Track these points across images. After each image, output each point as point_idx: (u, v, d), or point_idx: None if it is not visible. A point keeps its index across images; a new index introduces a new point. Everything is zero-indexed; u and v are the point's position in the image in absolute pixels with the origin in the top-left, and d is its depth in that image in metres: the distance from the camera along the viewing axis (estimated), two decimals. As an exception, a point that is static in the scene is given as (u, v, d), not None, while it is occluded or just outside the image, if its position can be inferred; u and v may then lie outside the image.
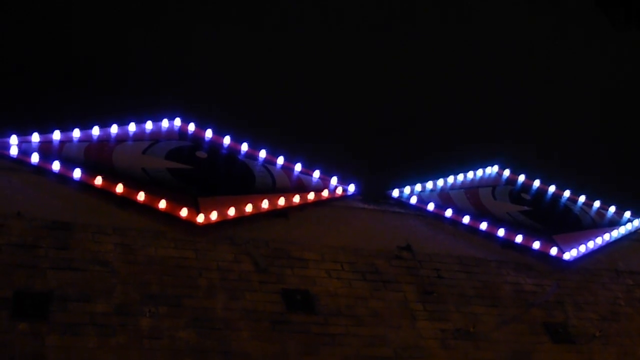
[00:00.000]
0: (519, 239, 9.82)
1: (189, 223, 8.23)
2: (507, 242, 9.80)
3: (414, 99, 12.53)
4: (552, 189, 11.50)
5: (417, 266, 8.76)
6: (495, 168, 11.62)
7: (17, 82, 10.20)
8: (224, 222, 8.44)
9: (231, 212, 8.56)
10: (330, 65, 12.60)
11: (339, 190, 9.82)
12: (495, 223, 10.01)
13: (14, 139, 8.69)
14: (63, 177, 8.44)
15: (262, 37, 12.71)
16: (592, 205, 11.42)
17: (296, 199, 9.28)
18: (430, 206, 10.06)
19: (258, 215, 8.80)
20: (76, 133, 9.22)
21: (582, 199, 11.46)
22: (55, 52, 11.10)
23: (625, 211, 11.35)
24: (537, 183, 11.51)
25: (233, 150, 10.04)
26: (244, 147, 10.08)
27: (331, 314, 7.79)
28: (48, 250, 7.29)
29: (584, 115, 13.53)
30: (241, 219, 8.62)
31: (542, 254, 9.73)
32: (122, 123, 9.67)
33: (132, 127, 9.71)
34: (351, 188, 9.89)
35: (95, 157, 8.98)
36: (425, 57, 13.31)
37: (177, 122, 10.14)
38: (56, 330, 6.61)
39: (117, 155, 9.11)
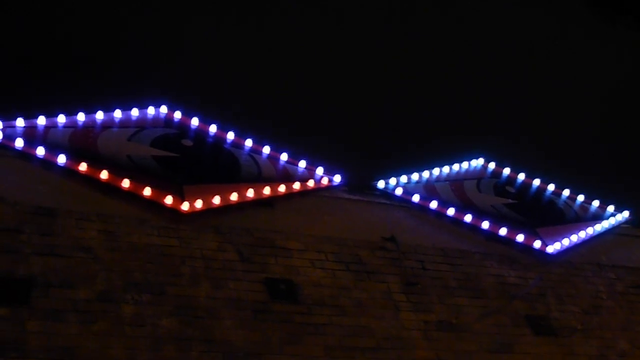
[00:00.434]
0: (503, 231, 9.85)
1: (174, 211, 8.21)
2: (492, 235, 9.83)
3: (401, 91, 12.55)
4: (536, 182, 11.54)
5: (401, 257, 8.78)
6: (481, 161, 11.65)
7: (2, 68, 10.13)
8: (208, 211, 8.42)
9: (216, 200, 8.54)
10: (318, 58, 12.60)
11: (325, 181, 9.82)
12: (479, 215, 10.04)
13: (-2, 124, 8.65)
14: (47, 163, 8.40)
15: (249, 25, 12.68)
16: (576, 199, 11.47)
17: (282, 188, 9.27)
18: (415, 198, 10.08)
19: (243, 204, 8.79)
20: (61, 119, 9.17)
21: (566, 192, 11.51)
22: (41, 38, 11.04)
23: (608, 205, 11.41)
24: (522, 176, 11.55)
25: (219, 139, 10.02)
26: (230, 135, 10.06)
27: (314, 303, 7.80)
28: (31, 236, 7.25)
29: (572, 109, 13.60)
30: (226, 207, 8.61)
31: (526, 247, 9.77)
32: (108, 109, 9.63)
33: (117, 114, 9.67)
34: (337, 178, 9.90)
35: (80, 143, 8.94)
36: (413, 51, 13.32)
37: (163, 109, 10.11)
38: (38, 316, 6.59)
39: (102, 142, 9.07)
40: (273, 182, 9.32)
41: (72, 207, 7.78)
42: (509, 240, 9.80)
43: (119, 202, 8.14)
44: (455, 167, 11.26)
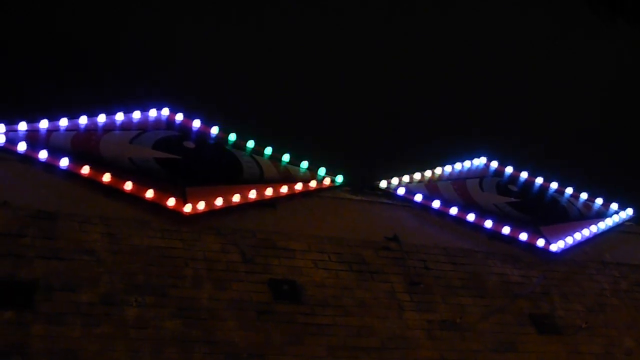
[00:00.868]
0: (506, 230, 9.84)
1: (176, 213, 8.20)
2: (494, 234, 9.82)
3: (402, 91, 12.54)
4: (539, 180, 11.53)
5: (404, 257, 8.77)
6: (483, 159, 11.64)
7: (4, 71, 10.14)
8: (211, 212, 8.42)
9: (218, 202, 8.54)
10: (319, 58, 12.59)
11: (327, 181, 9.81)
12: (482, 214, 10.02)
13: (0, 128, 8.64)
14: (50, 166, 8.40)
15: (249, 27, 12.68)
16: (579, 197, 11.45)
17: (284, 189, 9.27)
18: (418, 197, 10.07)
19: (245, 205, 8.79)
20: (63, 122, 9.18)
21: (569, 190, 11.49)
22: (42, 41, 11.05)
23: (611, 203, 11.39)
24: (524, 175, 11.54)
25: (221, 141, 10.02)
26: (232, 137, 10.06)
27: (318, 304, 7.79)
28: (34, 240, 7.25)
29: (574, 107, 13.58)
30: (228, 209, 8.60)
31: (529, 246, 9.75)
32: (110, 112, 9.63)
33: (119, 117, 9.67)
34: (339, 179, 9.89)
35: (82, 146, 8.94)
36: (414, 51, 13.31)
37: (165, 111, 10.11)
38: (41, 320, 6.59)
39: (105, 145, 9.07)
40: (275, 183, 9.32)
41: (75, 210, 7.78)
42: (512, 239, 9.79)
43: (121, 204, 8.14)
44: (458, 166, 11.25)
